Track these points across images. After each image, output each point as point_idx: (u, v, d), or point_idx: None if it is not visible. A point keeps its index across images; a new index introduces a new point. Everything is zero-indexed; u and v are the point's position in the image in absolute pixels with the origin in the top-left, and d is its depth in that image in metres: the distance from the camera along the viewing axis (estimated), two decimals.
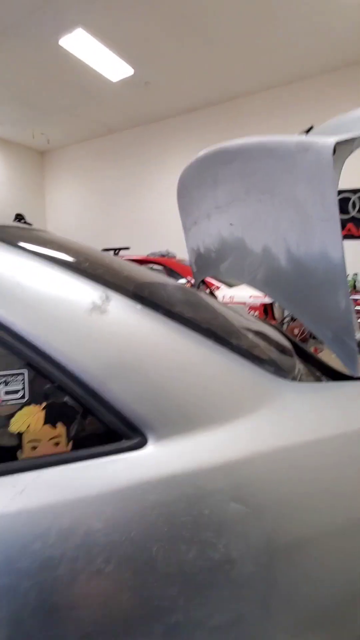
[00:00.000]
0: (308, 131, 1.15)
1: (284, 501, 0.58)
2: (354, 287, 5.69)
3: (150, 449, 0.57)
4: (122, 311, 0.65)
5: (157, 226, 7.44)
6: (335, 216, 0.71)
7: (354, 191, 4.17)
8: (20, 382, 0.55)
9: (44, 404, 0.56)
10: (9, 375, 0.55)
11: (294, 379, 0.77)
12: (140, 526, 0.50)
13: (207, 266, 1.58)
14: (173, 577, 0.51)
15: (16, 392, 0.55)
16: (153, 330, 0.65)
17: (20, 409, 0.55)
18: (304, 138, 0.76)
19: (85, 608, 0.49)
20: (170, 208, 2.65)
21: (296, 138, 0.78)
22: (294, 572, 0.56)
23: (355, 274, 5.71)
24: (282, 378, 0.71)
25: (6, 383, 0.55)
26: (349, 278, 5.44)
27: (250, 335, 0.89)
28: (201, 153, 1.15)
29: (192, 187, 1.41)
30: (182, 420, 0.60)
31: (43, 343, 0.56)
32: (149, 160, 7.75)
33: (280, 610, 0.56)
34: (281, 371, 0.73)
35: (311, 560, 0.57)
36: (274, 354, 0.85)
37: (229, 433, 0.61)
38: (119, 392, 0.57)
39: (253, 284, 1.20)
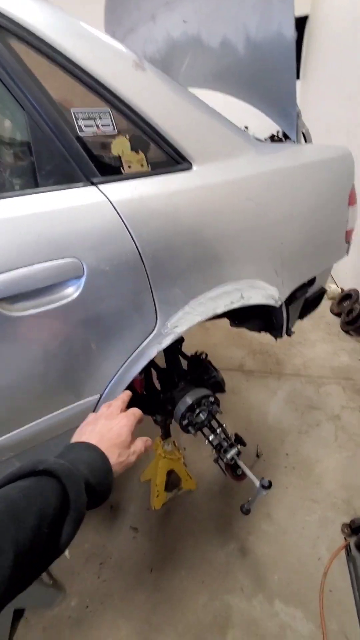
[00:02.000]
0: None
1: (269, 202, 0.99)
2: None
3: (196, 171, 0.88)
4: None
5: None
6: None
7: None
8: (108, 118, 0.76)
9: (128, 135, 0.79)
10: (99, 112, 0.75)
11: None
12: (189, 215, 0.85)
13: None
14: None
15: (107, 125, 0.76)
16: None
17: (114, 138, 0.77)
18: None
19: None
20: None
21: None
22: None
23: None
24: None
25: (100, 117, 0.75)
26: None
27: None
28: None
29: None
30: (212, 155, 0.91)
31: (118, 89, 0.76)
32: None
33: None
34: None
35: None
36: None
37: (234, 163, 0.95)
38: (174, 132, 0.84)
39: (203, 84, 1.39)
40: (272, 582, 1.27)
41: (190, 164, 0.87)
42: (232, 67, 1.23)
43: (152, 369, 1.36)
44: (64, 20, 0.72)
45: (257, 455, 1.75)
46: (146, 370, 1.33)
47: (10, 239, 0.63)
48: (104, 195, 0.73)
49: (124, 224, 0.74)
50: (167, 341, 0.84)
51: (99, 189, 0.74)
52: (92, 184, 0.74)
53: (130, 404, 0.69)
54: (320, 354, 2.48)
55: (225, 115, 0.98)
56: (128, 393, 0.69)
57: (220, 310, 0.90)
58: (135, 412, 0.63)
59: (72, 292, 0.69)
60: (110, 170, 0.78)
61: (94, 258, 0.70)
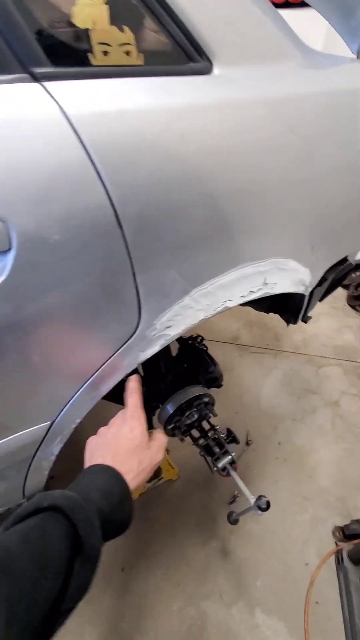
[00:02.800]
0: None
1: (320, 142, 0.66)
2: None
3: (216, 75, 0.54)
4: None
5: None
6: None
7: None
8: None
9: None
10: None
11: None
12: (202, 151, 0.53)
13: None
14: None
15: None
16: None
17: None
18: None
19: None
20: None
21: None
22: None
23: None
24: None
25: None
26: None
27: None
28: None
29: None
30: (244, 55, 0.56)
31: None
32: None
33: None
34: None
35: None
36: None
37: (272, 72, 0.61)
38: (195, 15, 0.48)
39: None
40: (254, 589, 1.16)
41: (211, 64, 0.53)
42: None
43: None
44: None
45: (247, 443, 1.59)
46: None
47: None
48: (54, 100, 0.41)
49: (89, 157, 0.42)
50: (153, 348, 0.58)
51: (45, 89, 0.41)
52: (33, 78, 0.41)
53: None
54: (323, 330, 2.27)
55: None
56: (136, 393, 0.61)
57: (234, 303, 0.63)
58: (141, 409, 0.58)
59: None
60: (68, 55, 0.44)
61: (31, 219, 0.40)
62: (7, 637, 0.29)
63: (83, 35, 0.44)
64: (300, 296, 0.95)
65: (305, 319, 1.14)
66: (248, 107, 0.55)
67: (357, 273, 2.51)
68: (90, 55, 0.45)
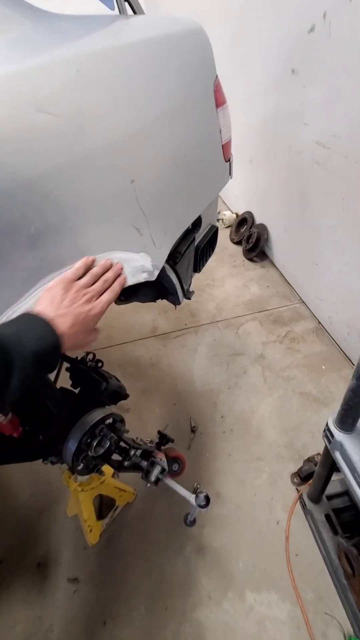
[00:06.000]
0: None
1: (86, 112, 0.57)
2: None
3: None
4: None
5: None
6: None
7: None
8: None
9: None
10: None
11: None
12: None
13: None
14: None
15: None
16: None
17: None
18: None
19: None
20: None
21: None
22: None
23: None
24: None
25: None
26: None
27: None
28: None
29: None
30: None
31: None
32: None
33: None
34: None
35: None
36: None
37: None
38: None
39: None
40: (238, 573, 1.14)
41: None
42: None
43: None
44: None
45: (192, 430, 1.55)
46: (17, 404, 0.92)
47: None
48: None
49: None
50: None
51: None
52: None
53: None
54: (231, 290, 2.30)
55: None
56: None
57: None
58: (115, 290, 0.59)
59: None
60: None
61: None
62: None
63: None
64: (166, 277, 0.89)
65: (187, 296, 1.10)
66: None
67: (243, 228, 2.58)
68: None
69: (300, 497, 1.26)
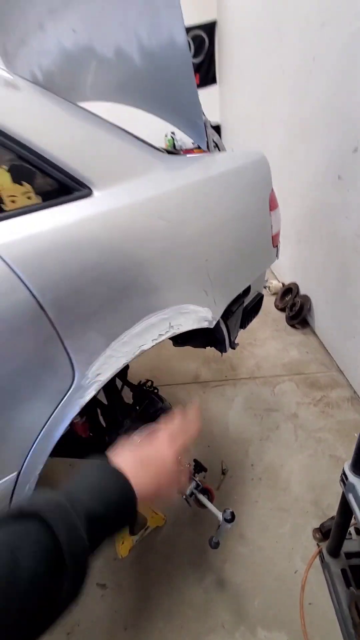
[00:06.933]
0: None
1: (185, 219, 0.92)
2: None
3: (97, 196, 0.78)
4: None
5: None
6: (178, 3, 0.88)
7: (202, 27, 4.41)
8: None
9: (7, 166, 0.67)
10: None
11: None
12: (94, 248, 0.76)
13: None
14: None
15: None
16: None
17: None
18: None
19: None
20: None
21: None
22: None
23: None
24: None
25: None
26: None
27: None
28: None
29: None
30: (115, 177, 0.82)
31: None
32: None
33: None
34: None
35: None
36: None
37: (139, 183, 0.87)
38: (63, 155, 0.73)
39: (109, 97, 1.30)
40: (253, 610, 1.21)
41: (90, 190, 0.78)
42: (132, 77, 1.15)
43: (97, 407, 1.24)
44: None
45: (223, 473, 1.69)
46: (89, 410, 1.20)
47: None
48: None
49: (13, 270, 0.62)
50: (90, 392, 0.74)
51: None
52: None
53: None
54: (271, 351, 2.51)
55: (150, 124, 0.91)
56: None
57: (148, 346, 0.81)
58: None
59: None
60: None
61: None
62: None
63: None
64: (218, 329, 1.17)
65: (232, 346, 1.35)
66: (124, 211, 0.79)
67: (288, 297, 2.85)
68: (1, 205, 0.67)
69: (320, 552, 1.32)
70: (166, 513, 1.49)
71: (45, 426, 0.69)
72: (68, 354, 0.70)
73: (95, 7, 1.07)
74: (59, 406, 0.70)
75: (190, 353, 2.59)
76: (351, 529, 1.36)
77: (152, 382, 1.30)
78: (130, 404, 1.24)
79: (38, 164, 0.71)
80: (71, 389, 0.72)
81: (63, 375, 0.71)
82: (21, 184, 0.69)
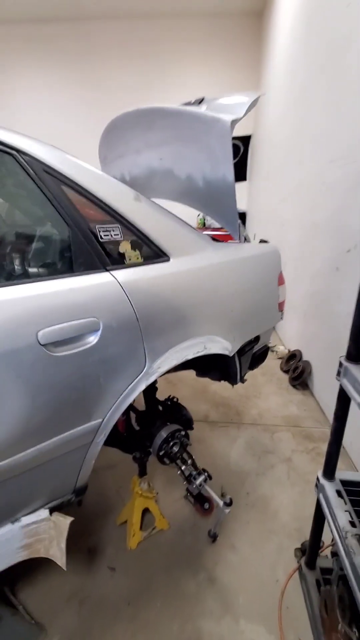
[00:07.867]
0: (201, 101, 1.86)
1: (221, 283, 1.43)
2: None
3: (172, 262, 1.30)
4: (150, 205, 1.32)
5: None
6: (230, 158, 1.50)
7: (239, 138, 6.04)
8: (118, 230, 1.18)
9: (130, 240, 1.20)
10: (113, 226, 1.17)
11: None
12: (166, 291, 1.26)
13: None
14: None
15: (117, 234, 1.17)
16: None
17: (121, 241, 1.18)
18: (215, 114, 1.50)
19: None
20: None
21: (210, 113, 1.51)
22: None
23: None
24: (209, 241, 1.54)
25: (113, 230, 1.16)
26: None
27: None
28: (142, 107, 1.72)
29: (125, 128, 1.95)
30: (182, 251, 1.35)
31: (125, 213, 1.19)
32: None
33: None
34: (210, 240, 1.55)
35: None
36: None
37: (197, 257, 1.40)
38: (158, 237, 1.27)
39: (175, 198, 1.93)
40: (237, 604, 1.42)
41: (169, 257, 1.30)
42: (194, 191, 1.77)
43: (131, 412, 1.63)
44: (95, 175, 1.16)
45: (222, 496, 1.95)
46: (126, 413, 1.60)
47: (57, 304, 0.97)
48: (114, 277, 1.11)
49: (127, 296, 1.10)
50: (153, 378, 1.16)
51: (111, 274, 1.12)
52: (106, 270, 1.12)
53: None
54: (273, 405, 2.85)
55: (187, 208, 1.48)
56: None
57: (190, 356, 1.25)
58: None
59: (92, 340, 1.02)
60: (118, 261, 1.17)
61: (107, 318, 1.04)
62: None
63: (122, 254, 1.18)
64: (232, 362, 1.60)
65: (242, 380, 1.76)
66: (185, 273, 1.30)
67: (292, 361, 3.25)
68: (125, 260, 1.18)
69: (300, 567, 1.55)
70: (171, 522, 1.76)
71: (124, 392, 1.11)
72: (145, 350, 1.15)
73: (179, 149, 1.72)
74: (134, 382, 1.13)
75: (202, 396, 2.96)
76: (328, 552, 1.60)
77: (177, 398, 1.70)
78: (160, 410, 1.63)
79: (145, 241, 1.24)
80: (142, 373, 1.15)
81: (139, 363, 1.14)
82: (135, 250, 1.21)
